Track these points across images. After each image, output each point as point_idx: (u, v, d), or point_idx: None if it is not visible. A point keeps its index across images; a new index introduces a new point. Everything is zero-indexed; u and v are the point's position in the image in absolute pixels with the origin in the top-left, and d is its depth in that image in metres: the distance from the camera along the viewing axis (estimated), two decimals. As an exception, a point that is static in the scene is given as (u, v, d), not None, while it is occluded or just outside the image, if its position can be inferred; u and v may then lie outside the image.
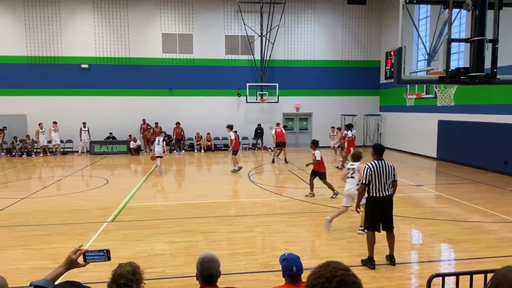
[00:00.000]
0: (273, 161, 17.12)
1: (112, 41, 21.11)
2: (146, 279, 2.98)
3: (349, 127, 15.60)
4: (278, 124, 18.15)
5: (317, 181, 10.43)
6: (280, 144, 16.95)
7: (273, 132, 17.28)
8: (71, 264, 2.26)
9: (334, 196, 10.11)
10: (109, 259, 2.38)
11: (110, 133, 21.10)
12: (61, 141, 20.42)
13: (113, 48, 21.15)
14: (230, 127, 14.44)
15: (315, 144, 10.45)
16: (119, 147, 20.61)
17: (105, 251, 2.37)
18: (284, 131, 17.15)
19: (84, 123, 20.32)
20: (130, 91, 21.40)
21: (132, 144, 20.22)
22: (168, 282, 5.30)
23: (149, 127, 21.10)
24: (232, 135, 14.21)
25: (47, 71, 20.65)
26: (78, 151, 20.47)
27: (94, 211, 9.06)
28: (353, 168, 7.55)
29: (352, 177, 7.52)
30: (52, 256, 6.23)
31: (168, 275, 5.53)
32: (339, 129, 19.05)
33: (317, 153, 10.12)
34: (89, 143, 20.50)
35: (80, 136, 20.28)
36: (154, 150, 14.11)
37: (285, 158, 16.99)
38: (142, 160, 18.66)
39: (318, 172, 10.18)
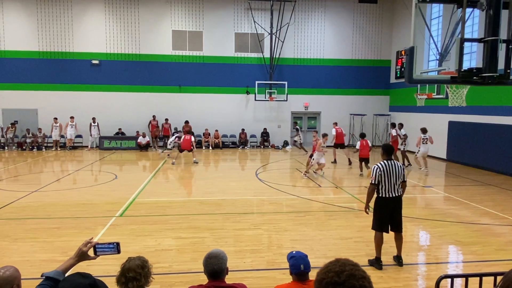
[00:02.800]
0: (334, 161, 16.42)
1: (122, 38, 21.24)
2: (154, 274, 3.00)
3: (396, 126, 15.95)
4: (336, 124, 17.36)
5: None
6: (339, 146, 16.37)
7: (334, 132, 16.38)
8: (81, 256, 2.28)
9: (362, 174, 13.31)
10: (119, 252, 2.40)
11: (119, 129, 21.26)
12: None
13: (124, 44, 21.28)
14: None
15: (360, 136, 13.93)
16: (128, 142, 20.77)
17: (115, 244, 2.38)
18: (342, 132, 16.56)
19: (93, 119, 20.51)
20: (140, 87, 21.54)
21: (141, 140, 20.36)
22: (175, 277, 5.33)
23: (158, 124, 21.19)
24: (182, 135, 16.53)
25: (58, 67, 20.87)
26: (87, 146, 20.67)
27: (103, 205, 9.14)
28: (426, 138, 13.87)
29: (426, 143, 13.75)
30: (61, 249, 6.30)
31: (175, 270, 5.56)
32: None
33: (357, 144, 13.43)
34: (99, 138, 20.70)
35: (90, 131, 20.48)
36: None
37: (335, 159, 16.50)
38: (151, 156, 18.77)
39: (361, 158, 13.31)
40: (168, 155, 17.81)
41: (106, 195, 10.23)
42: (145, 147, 20.39)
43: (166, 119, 21.12)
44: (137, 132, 21.00)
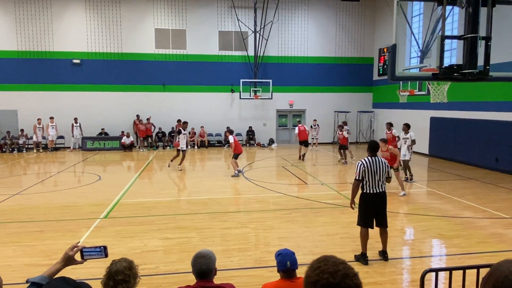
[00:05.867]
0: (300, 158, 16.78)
1: (104, 36, 20.90)
2: (140, 275, 2.96)
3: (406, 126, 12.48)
4: (299, 122, 18.19)
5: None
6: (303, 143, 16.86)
7: (296, 130, 16.99)
8: (68, 260, 2.23)
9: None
10: (106, 256, 2.36)
11: (102, 129, 20.94)
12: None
13: (106, 43, 20.95)
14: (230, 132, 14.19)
15: (339, 127, 15.98)
16: (112, 143, 20.47)
17: (102, 247, 2.34)
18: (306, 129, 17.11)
19: (75, 119, 20.14)
20: (123, 86, 21.24)
21: (126, 140, 20.09)
22: (162, 278, 5.29)
23: (142, 123, 20.89)
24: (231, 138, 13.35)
25: (38, 66, 20.40)
26: (70, 147, 20.30)
27: (87, 207, 8.99)
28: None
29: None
30: (44, 252, 6.18)
31: (162, 271, 5.51)
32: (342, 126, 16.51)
33: (344, 133, 15.41)
34: (81, 139, 20.34)
35: (72, 132, 20.10)
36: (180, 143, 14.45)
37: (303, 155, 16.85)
38: (135, 156, 18.56)
39: (341, 144, 15.58)
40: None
41: (90, 197, 10.07)
42: (129, 147, 20.13)
43: (148, 119, 20.85)
44: (122, 132, 20.72)
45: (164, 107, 21.53)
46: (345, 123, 16.41)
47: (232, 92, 22.14)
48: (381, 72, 22.10)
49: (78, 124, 20.19)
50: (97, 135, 20.80)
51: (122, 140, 20.15)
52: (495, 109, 13.93)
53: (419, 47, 16.58)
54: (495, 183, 11.75)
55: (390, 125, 13.17)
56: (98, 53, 20.89)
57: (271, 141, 22.79)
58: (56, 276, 2.01)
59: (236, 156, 13.14)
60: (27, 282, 2.02)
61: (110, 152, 19.76)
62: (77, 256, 2.28)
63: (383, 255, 5.93)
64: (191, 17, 21.53)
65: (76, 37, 20.60)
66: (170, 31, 21.45)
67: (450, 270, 3.31)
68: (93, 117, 20.92)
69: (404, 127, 12.05)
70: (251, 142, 22.34)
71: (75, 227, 7.51)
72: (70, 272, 4.25)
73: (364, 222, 5.86)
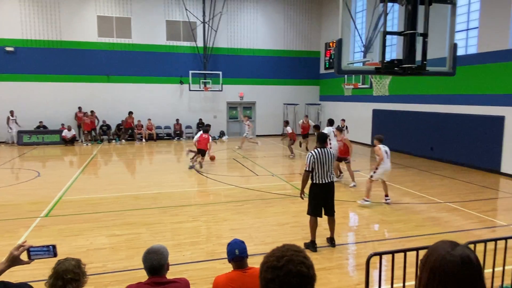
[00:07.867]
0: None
1: (41, 22, 19.46)
2: (88, 275, 2.84)
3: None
4: (306, 116, 18.20)
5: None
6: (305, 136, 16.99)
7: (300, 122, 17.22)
8: (13, 261, 2.08)
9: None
10: (55, 255, 2.24)
11: (40, 122, 19.60)
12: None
13: (43, 30, 19.52)
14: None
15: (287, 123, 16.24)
16: (51, 137, 19.23)
17: (50, 246, 2.22)
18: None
19: (11, 112, 18.64)
20: (62, 77, 19.98)
21: (67, 133, 18.97)
22: (110, 276, 5.11)
23: (87, 115, 19.78)
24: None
25: (-36, 54, 18.58)
26: (4, 142, 18.79)
27: (25, 206, 8.42)
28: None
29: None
30: (-23, 256, 5.70)
31: (110, 269, 5.32)
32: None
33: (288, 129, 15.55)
34: (17, 133, 18.88)
35: (8, 125, 18.60)
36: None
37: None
38: (78, 150, 17.62)
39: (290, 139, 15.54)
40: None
41: (28, 194, 9.43)
42: (71, 141, 19.05)
43: (92, 111, 19.84)
44: (62, 125, 19.54)
45: (108, 99, 20.59)
46: (287, 122, 16.75)
47: (181, 84, 21.70)
48: (327, 66, 22.77)
49: (14, 118, 18.71)
50: (35, 129, 19.44)
51: (63, 134, 19.00)
52: (430, 102, 14.93)
53: (362, 42, 17.26)
54: (431, 170, 12.65)
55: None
56: (34, 40, 19.43)
57: (222, 134, 22.70)
58: (2, 277, 1.86)
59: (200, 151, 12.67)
60: None
61: (49, 146, 18.57)
62: (24, 256, 2.14)
63: (331, 241, 6.19)
64: (136, 5, 20.68)
65: (8, 23, 18.97)
66: (114, 18, 20.47)
67: (392, 253, 3.54)
68: (30, 109, 19.49)
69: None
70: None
71: (12, 227, 7.01)
72: (9, 275, 3.97)
73: (314, 211, 6.06)
